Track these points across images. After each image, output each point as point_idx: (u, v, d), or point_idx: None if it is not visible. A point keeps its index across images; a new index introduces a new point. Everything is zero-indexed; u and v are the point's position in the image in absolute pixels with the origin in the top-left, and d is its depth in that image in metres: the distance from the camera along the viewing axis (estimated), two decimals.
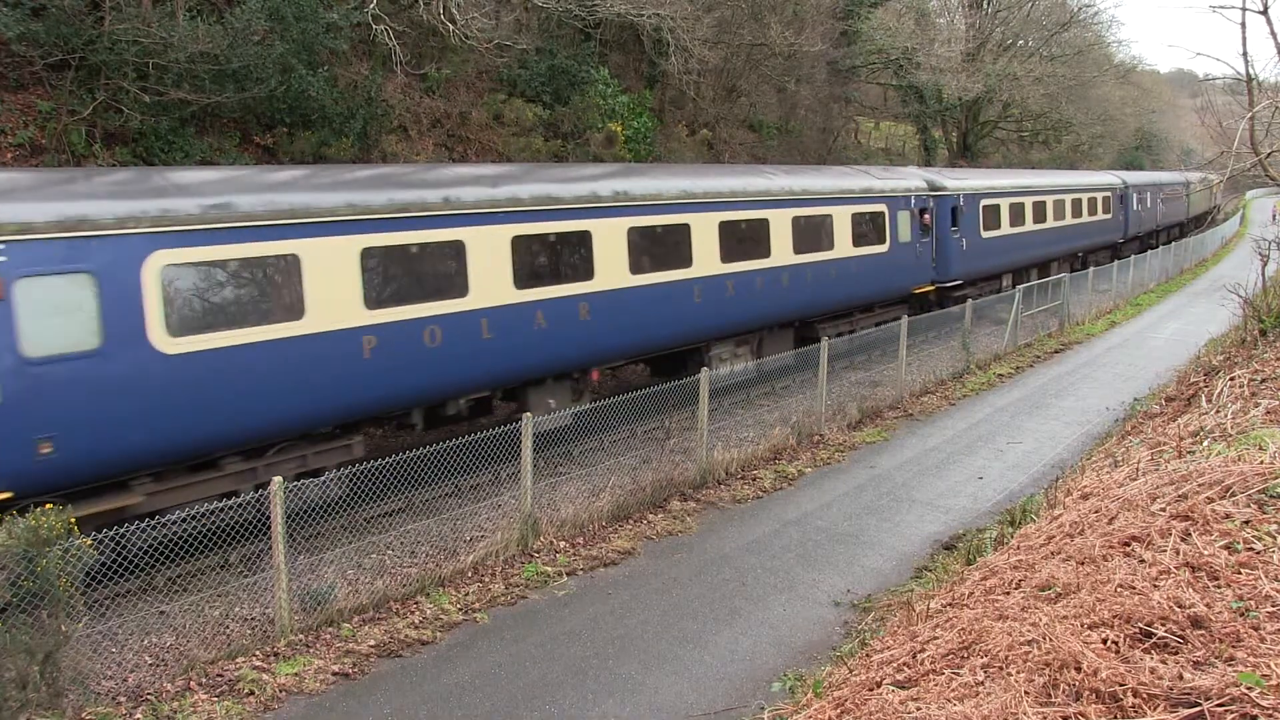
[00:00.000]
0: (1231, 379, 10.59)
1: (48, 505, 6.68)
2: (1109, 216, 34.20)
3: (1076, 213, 30.71)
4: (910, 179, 21.28)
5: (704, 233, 14.58)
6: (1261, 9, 13.93)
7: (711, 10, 28.36)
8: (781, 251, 16.28)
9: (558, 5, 22.98)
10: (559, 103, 25.31)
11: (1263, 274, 19.32)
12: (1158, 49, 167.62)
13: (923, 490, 11.84)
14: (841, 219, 18.10)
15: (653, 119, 28.60)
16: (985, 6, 46.12)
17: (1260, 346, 12.96)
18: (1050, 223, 28.42)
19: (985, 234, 23.82)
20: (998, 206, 24.61)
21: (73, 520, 6.73)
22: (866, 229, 18.90)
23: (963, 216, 22.52)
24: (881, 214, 19.40)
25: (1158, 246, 36.18)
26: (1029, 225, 26.73)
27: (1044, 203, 27.94)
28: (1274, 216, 51.17)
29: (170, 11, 15.71)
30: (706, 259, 14.64)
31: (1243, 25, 15.09)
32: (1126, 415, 14.30)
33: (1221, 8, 14.58)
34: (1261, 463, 5.93)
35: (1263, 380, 10.16)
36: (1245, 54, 23.69)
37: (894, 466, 12.82)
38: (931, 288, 21.81)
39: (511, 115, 24.24)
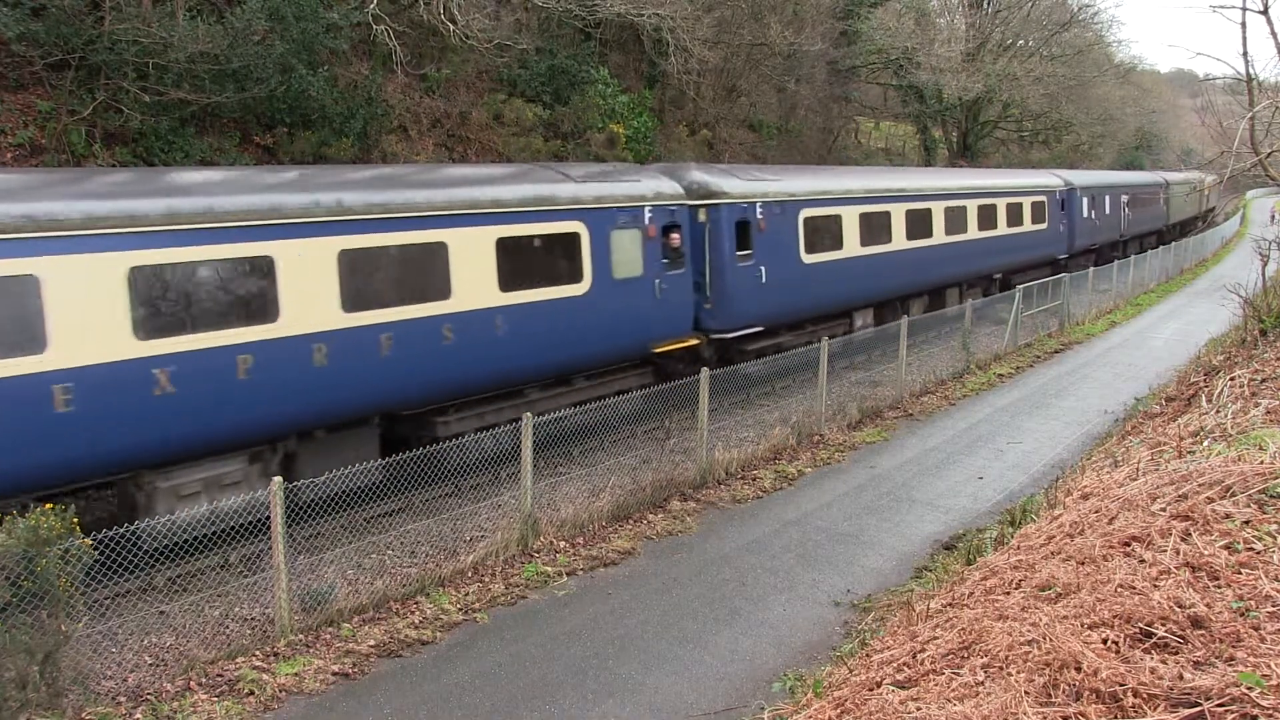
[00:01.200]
0: (1232, 379, 10.59)
1: (48, 505, 6.68)
2: (1043, 226, 27.64)
3: (988, 223, 24.10)
4: (648, 180, 14.42)
5: (91, 290, 8.28)
6: (1261, 9, 13.93)
7: (711, 10, 28.38)
8: (311, 310, 9.81)
9: (558, 5, 22.99)
10: (559, 103, 25.33)
11: (1263, 274, 19.31)
12: (1158, 49, 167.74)
13: (923, 490, 11.84)
14: (471, 248, 11.26)
15: (653, 119, 28.62)
16: (985, 6, 46.16)
17: (1260, 346, 12.96)
18: (941, 238, 21.63)
19: (810, 258, 17.20)
20: (836, 218, 18.04)
21: (74, 520, 6.73)
22: (539, 261, 12.20)
23: (762, 235, 15.77)
24: (574, 236, 12.65)
25: (1115, 261, 29.89)
26: (900, 243, 20.00)
27: (927, 211, 21.18)
28: (1273, 218, 51.07)
29: (170, 11, 15.71)
30: (92, 337, 8.26)
31: (1243, 25, 15.09)
32: (1127, 415, 14.30)
33: (1221, 8, 14.58)
34: (1261, 463, 5.93)
35: (1263, 380, 10.16)
36: (1245, 54, 23.58)
37: (894, 466, 12.82)
38: (695, 341, 14.89)
39: (511, 115, 24.26)
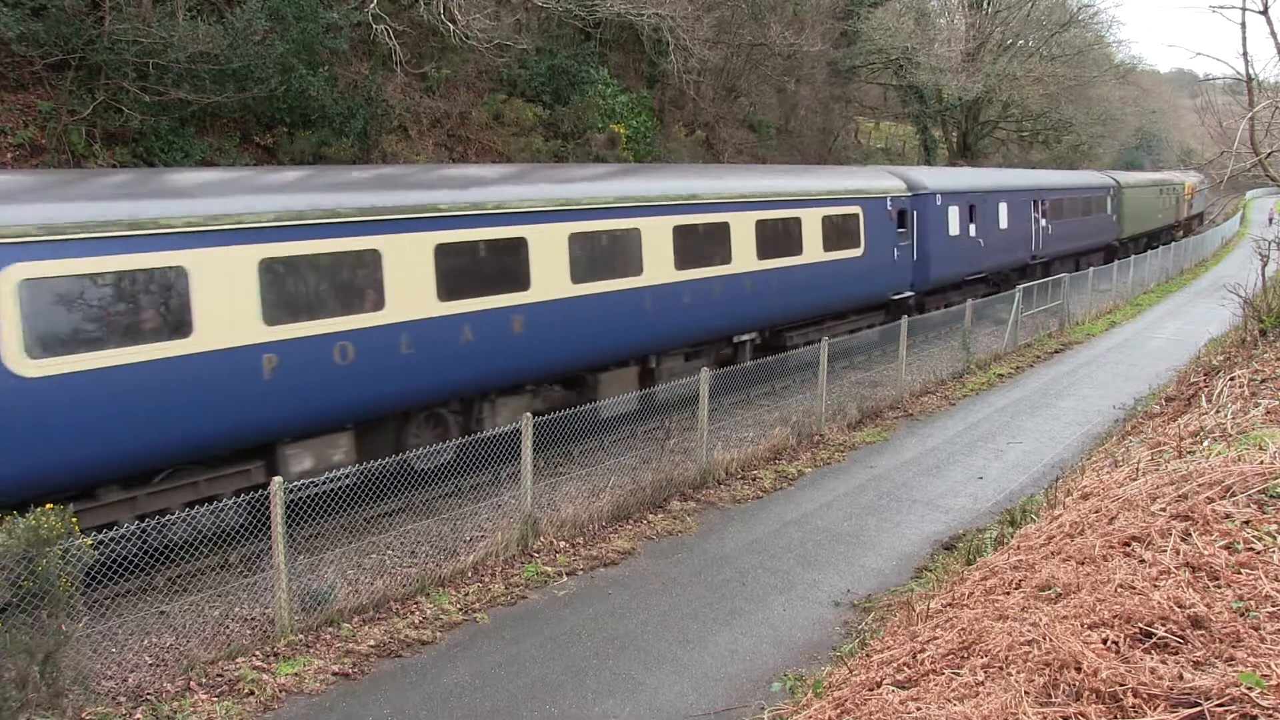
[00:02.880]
0: (1231, 379, 10.58)
1: (48, 505, 6.68)
2: (856, 253, 18.42)
3: (705, 255, 14.75)
4: None
5: None
6: (1261, 9, 13.91)
7: (711, 10, 28.42)
8: None
9: (558, 5, 23.00)
10: (559, 103, 25.35)
11: (1262, 274, 19.30)
12: (1158, 49, 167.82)
13: (923, 490, 11.84)
14: None
15: (652, 119, 28.63)
16: (985, 6, 46.17)
17: (1260, 346, 12.95)
18: (564, 289, 12.27)
19: (46, 363, 7.71)
20: (165, 275, 8.47)
21: (74, 520, 6.73)
22: None
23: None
24: None
25: (1019, 290, 21.49)
26: (419, 307, 10.54)
27: (514, 243, 11.65)
28: (1270, 219, 51.04)
29: (170, 11, 15.72)
30: None
31: (1243, 25, 15.06)
32: (1126, 415, 14.31)
33: (1221, 8, 14.51)
34: (1261, 463, 5.93)
35: (1263, 380, 10.15)
36: (1245, 54, 23.50)
37: (894, 466, 12.82)
38: None
39: (511, 115, 24.28)
